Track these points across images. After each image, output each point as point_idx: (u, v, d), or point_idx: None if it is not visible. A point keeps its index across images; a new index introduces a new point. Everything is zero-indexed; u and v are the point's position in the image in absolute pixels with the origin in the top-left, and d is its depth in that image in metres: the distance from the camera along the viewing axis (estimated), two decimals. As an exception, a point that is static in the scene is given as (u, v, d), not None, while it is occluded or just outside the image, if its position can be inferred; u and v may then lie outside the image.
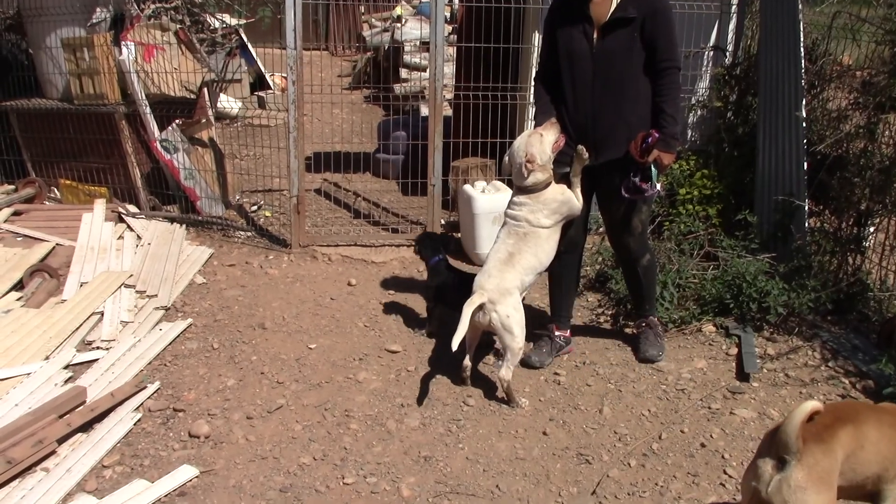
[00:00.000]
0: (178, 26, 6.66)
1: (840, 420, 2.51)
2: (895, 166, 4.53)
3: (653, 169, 3.93)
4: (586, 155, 4.02)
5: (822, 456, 2.40)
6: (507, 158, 4.10)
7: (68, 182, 6.71)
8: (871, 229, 4.88)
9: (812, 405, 2.35)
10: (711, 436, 3.65)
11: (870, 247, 4.91)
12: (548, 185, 4.00)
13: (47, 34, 6.45)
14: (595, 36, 3.93)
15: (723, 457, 3.51)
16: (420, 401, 3.95)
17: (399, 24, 12.45)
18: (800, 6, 4.94)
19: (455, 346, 3.66)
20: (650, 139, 3.88)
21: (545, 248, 4.03)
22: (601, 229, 5.46)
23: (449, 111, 7.23)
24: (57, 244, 5.64)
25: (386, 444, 3.60)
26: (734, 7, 6.05)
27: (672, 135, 3.92)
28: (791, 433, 2.34)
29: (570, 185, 4.08)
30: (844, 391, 4.06)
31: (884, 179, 4.57)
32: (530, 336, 4.21)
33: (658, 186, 4.05)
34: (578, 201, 4.09)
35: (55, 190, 6.82)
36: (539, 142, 3.95)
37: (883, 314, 4.63)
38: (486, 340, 4.31)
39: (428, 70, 5.93)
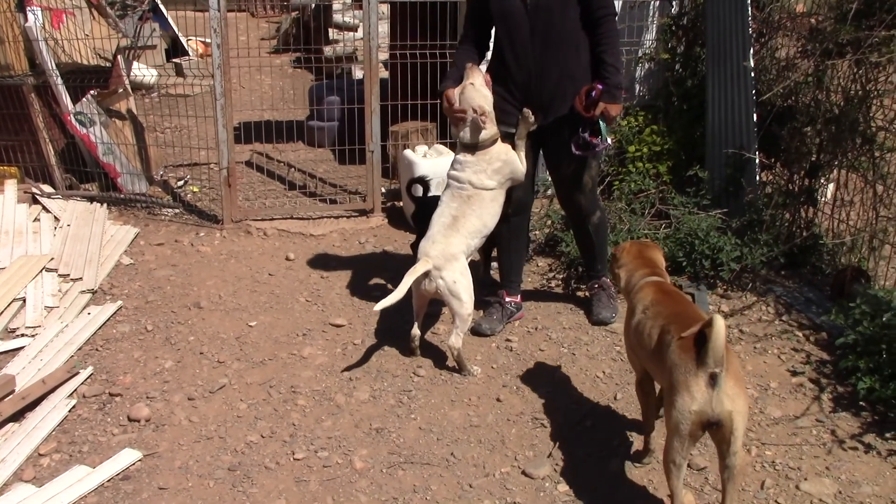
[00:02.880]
0: (88, -12, 6.67)
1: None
2: (844, 115, 4.81)
3: (601, 122, 4.15)
4: (532, 118, 4.21)
5: (733, 359, 2.79)
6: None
7: (-26, 162, 6.70)
8: (824, 181, 5.17)
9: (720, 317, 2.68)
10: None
11: (823, 200, 5.20)
12: (495, 141, 4.18)
13: (-58, 1, 6.41)
14: None
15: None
16: (361, 366, 4.15)
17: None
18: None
19: (377, 308, 3.86)
20: (594, 93, 4.08)
21: (490, 210, 4.22)
22: (549, 191, 5.69)
23: (385, 73, 7.36)
24: (-33, 229, 5.67)
25: (336, 418, 3.78)
26: (680, -46, 6.29)
27: (616, 85, 4.14)
28: (723, 348, 2.65)
29: (514, 147, 4.27)
30: (798, 344, 4.35)
31: (837, 130, 4.84)
32: (480, 303, 4.42)
33: (609, 140, 4.27)
34: (522, 165, 4.28)
35: (-41, 171, 6.80)
36: (475, 91, 4.13)
37: (836, 266, 4.94)
38: (433, 311, 4.51)
39: (361, 29, 6.05)
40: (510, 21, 4.18)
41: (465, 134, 4.18)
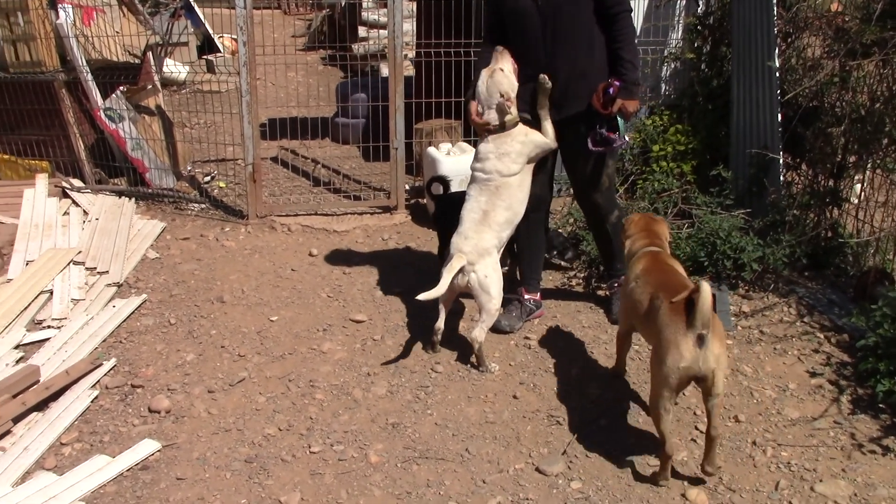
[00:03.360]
0: (119, -14, 6.77)
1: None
2: (870, 116, 4.77)
3: (619, 119, 4.15)
4: (549, 84, 4.19)
5: (717, 322, 3.13)
6: (480, 94, 4.24)
7: (6, 157, 6.80)
8: (853, 182, 5.12)
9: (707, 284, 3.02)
10: (683, 393, 3.88)
11: (851, 201, 5.14)
12: (516, 123, 4.21)
13: (-24, -2, 6.52)
14: None
15: (695, 413, 3.76)
16: (396, 361, 4.20)
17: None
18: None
19: (421, 297, 3.91)
20: (611, 89, 4.09)
21: (518, 197, 4.23)
22: (571, 190, 5.68)
23: (411, 70, 7.39)
24: (-2, 222, 5.78)
25: (353, 412, 3.81)
26: (707, -47, 6.26)
27: (633, 81, 4.14)
28: (710, 312, 2.99)
29: (536, 125, 4.28)
30: (819, 346, 4.32)
31: (869, 131, 4.79)
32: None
33: (626, 137, 4.27)
34: (549, 136, 4.27)
35: (-8, 165, 6.92)
36: (504, 77, 4.16)
37: (860, 267, 4.90)
38: (453, 308, 4.53)
39: (387, 27, 6.09)
40: (522, 20, 4.19)
41: (492, 116, 4.20)
